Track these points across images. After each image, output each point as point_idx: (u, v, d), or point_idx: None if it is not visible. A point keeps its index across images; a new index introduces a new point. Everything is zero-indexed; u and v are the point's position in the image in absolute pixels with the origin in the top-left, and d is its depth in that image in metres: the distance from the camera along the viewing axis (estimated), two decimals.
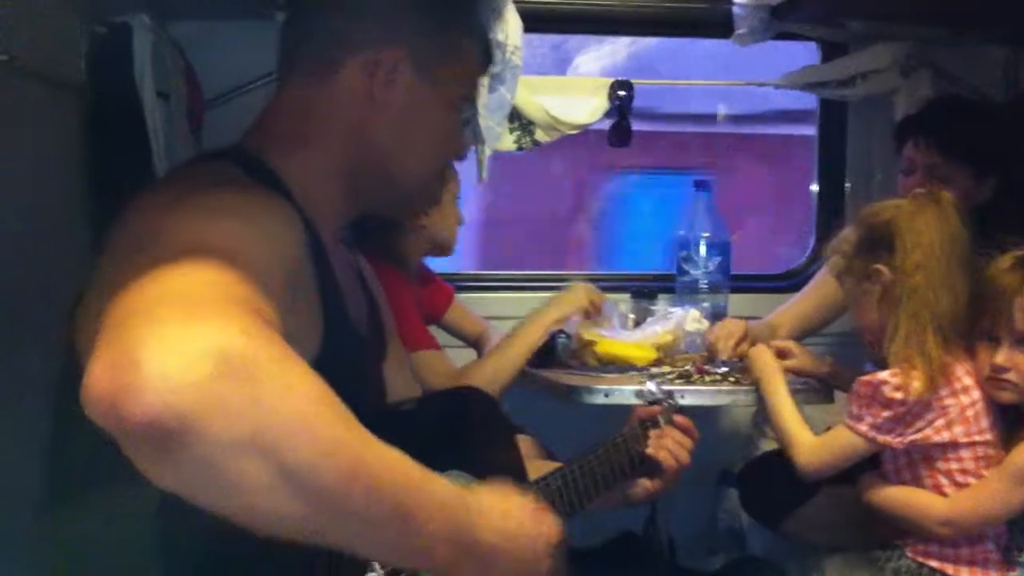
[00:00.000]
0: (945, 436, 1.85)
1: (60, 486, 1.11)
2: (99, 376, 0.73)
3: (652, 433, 1.73)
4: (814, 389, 2.22)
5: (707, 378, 2.26)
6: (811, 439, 1.99)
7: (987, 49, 2.94)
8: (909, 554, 1.94)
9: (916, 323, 1.86)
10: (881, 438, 1.87)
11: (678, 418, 1.76)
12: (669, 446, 1.71)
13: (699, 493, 2.86)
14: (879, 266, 1.91)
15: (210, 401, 0.72)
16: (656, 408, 1.76)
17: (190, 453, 0.73)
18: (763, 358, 2.17)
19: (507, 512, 1.01)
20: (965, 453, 1.86)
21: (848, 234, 2.02)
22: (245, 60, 2.52)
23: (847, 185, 3.13)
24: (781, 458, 2.57)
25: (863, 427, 1.87)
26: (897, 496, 1.94)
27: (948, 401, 1.85)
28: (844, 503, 2.34)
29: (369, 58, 1.23)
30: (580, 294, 2.39)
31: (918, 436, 1.86)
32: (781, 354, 2.24)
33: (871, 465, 2.25)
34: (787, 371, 2.19)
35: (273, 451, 0.75)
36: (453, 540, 0.92)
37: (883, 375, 1.85)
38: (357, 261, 1.43)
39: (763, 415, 2.88)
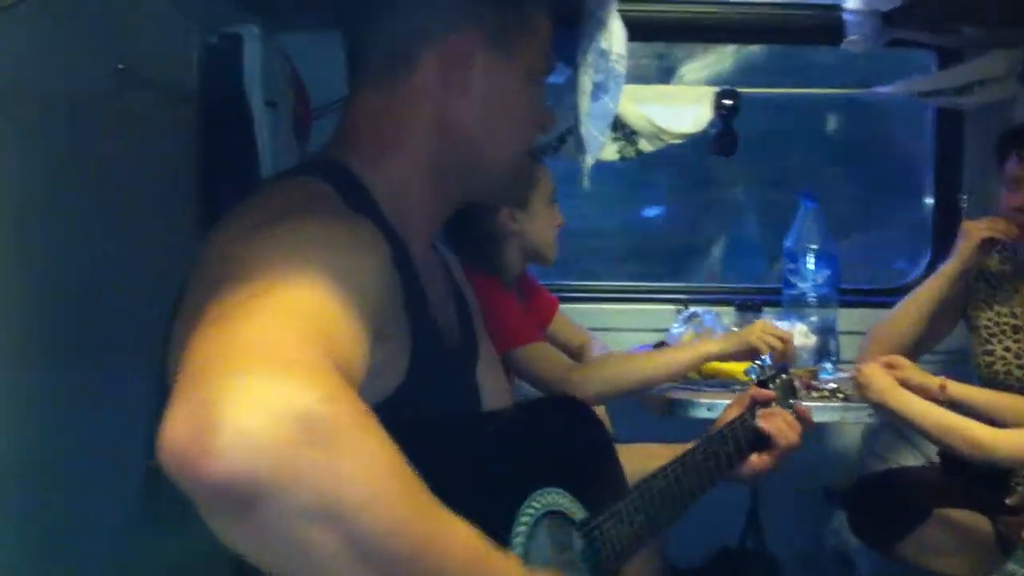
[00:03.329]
0: None
1: (156, 507, 1.09)
2: (176, 431, 0.72)
3: (763, 411, 1.61)
4: None
5: (814, 394, 2.21)
6: (987, 428, 1.90)
7: None
8: None
9: None
10: None
11: (798, 406, 1.66)
12: (780, 424, 1.60)
13: (802, 511, 2.80)
14: None
15: (287, 467, 0.71)
16: (770, 393, 1.64)
17: (262, 518, 0.72)
18: (876, 374, 2.10)
19: None
20: None
21: None
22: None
23: (964, 197, 3.03)
24: (893, 479, 2.52)
25: None
26: None
27: None
28: (961, 528, 2.28)
29: (445, 46, 1.20)
30: (754, 333, 2.24)
31: None
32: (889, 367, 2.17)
33: (999, 490, 2.18)
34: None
35: (344, 521, 0.74)
36: None
37: None
38: (446, 260, 1.41)
39: (875, 436, 2.82)
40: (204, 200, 2.13)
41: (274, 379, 0.73)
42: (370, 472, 0.76)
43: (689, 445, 1.53)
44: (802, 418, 1.63)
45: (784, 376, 1.69)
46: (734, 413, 1.62)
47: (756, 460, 1.59)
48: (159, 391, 1.02)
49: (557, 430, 1.35)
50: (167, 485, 0.74)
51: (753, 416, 1.60)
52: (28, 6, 1.26)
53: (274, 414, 0.71)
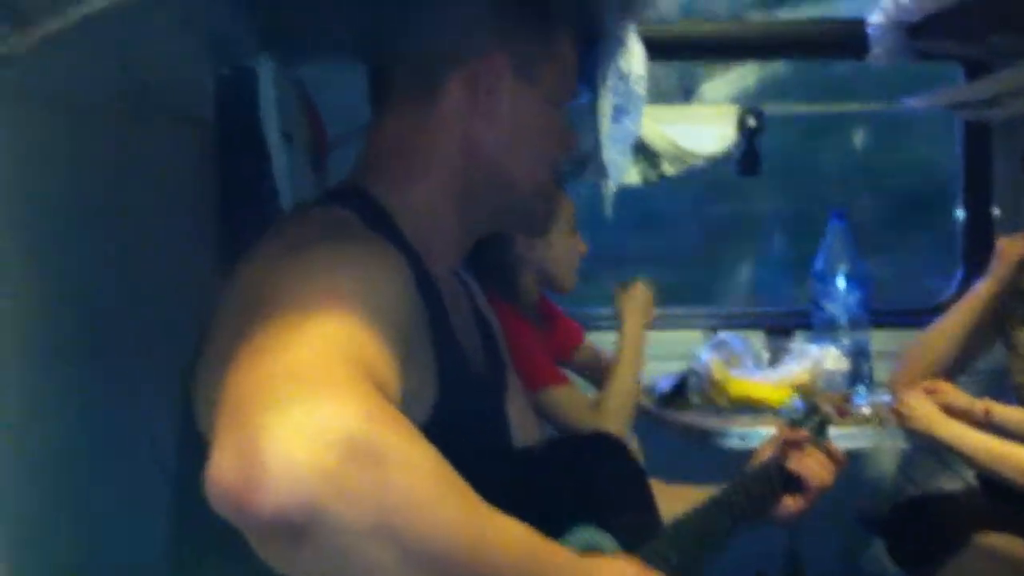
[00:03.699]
0: None
1: (184, 542, 1.10)
2: (223, 469, 0.73)
3: (794, 453, 1.63)
4: None
5: (848, 419, 2.16)
6: None
7: None
8: None
9: None
10: None
11: (830, 445, 1.66)
12: (812, 464, 1.61)
13: (839, 538, 2.75)
14: None
15: (337, 491, 0.72)
16: (802, 435, 1.65)
17: (318, 544, 0.73)
18: (917, 406, 2.05)
19: None
20: None
21: None
22: (367, 101, 2.53)
23: (995, 211, 3.00)
24: (932, 504, 2.48)
25: None
26: None
27: None
28: (1002, 553, 2.23)
29: (471, 71, 1.20)
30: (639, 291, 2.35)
31: None
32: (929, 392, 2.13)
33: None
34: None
35: (399, 535, 0.75)
36: None
37: None
38: (471, 288, 1.41)
39: (910, 461, 2.77)
40: (222, 232, 2.11)
41: (315, 405, 0.75)
42: (419, 483, 0.77)
43: (723, 486, 1.53)
44: (834, 458, 1.64)
45: (816, 417, 1.69)
46: (767, 454, 1.64)
47: (790, 502, 1.61)
48: (185, 428, 1.04)
49: (592, 466, 1.34)
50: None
51: (785, 457, 1.61)
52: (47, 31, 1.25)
53: (319, 440, 0.73)
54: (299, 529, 0.72)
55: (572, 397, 2.21)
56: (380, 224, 1.13)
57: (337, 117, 2.56)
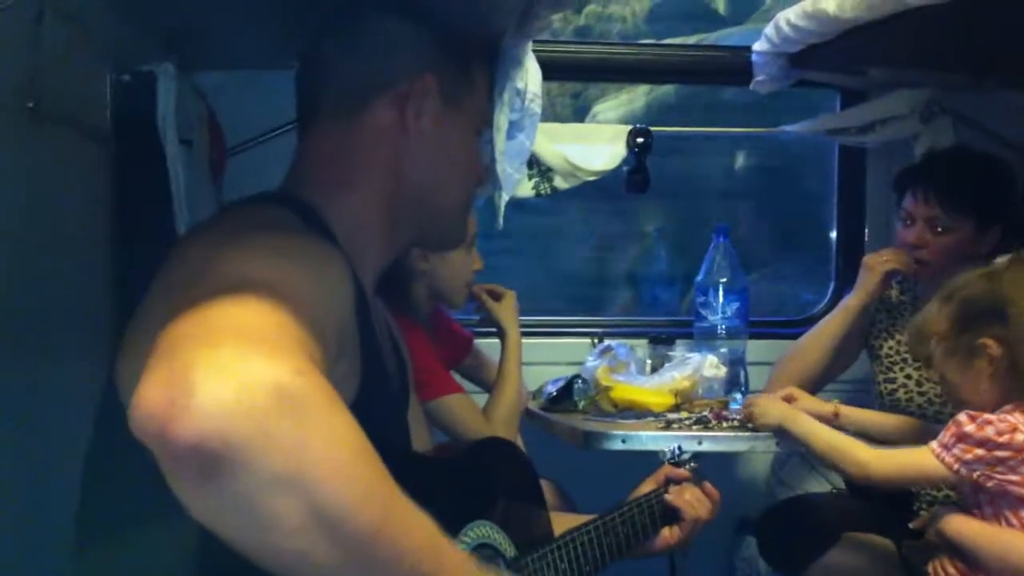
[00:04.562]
0: None
1: (91, 526, 1.10)
2: (150, 394, 0.73)
3: (673, 488, 1.74)
4: None
5: (725, 424, 2.25)
6: (875, 449, 1.93)
7: (1009, 94, 2.93)
8: None
9: None
10: (965, 472, 1.79)
11: (707, 485, 1.77)
12: (689, 499, 1.72)
13: (716, 541, 2.83)
14: (987, 340, 1.82)
15: (260, 433, 0.73)
16: (684, 473, 1.77)
17: (231, 483, 0.73)
18: (770, 405, 2.15)
19: None
20: None
21: (937, 315, 1.90)
22: (267, 109, 2.54)
23: (866, 231, 3.14)
24: (801, 506, 2.57)
25: (949, 458, 1.80)
26: (998, 534, 1.82)
27: None
28: (867, 551, 2.32)
29: (399, 92, 1.24)
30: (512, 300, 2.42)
31: (1007, 479, 1.78)
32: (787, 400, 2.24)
33: (904, 515, 2.23)
34: None
35: (311, 492, 0.75)
36: None
37: (991, 415, 1.79)
38: (381, 309, 1.43)
39: (783, 464, 2.88)
40: (118, 238, 2.11)
41: (248, 351, 0.75)
42: (338, 446, 0.77)
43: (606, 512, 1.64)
44: (710, 496, 1.75)
45: (694, 464, 1.81)
46: (649, 487, 1.74)
47: (667, 534, 1.72)
48: (108, 411, 1.04)
49: (491, 467, 1.41)
50: None
51: (666, 491, 1.73)
52: None
53: (247, 382, 0.73)
54: (213, 462, 0.72)
55: (465, 406, 2.25)
56: (318, 228, 1.16)
57: (236, 125, 2.58)
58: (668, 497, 1.71)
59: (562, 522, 1.59)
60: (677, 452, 1.82)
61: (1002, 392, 1.83)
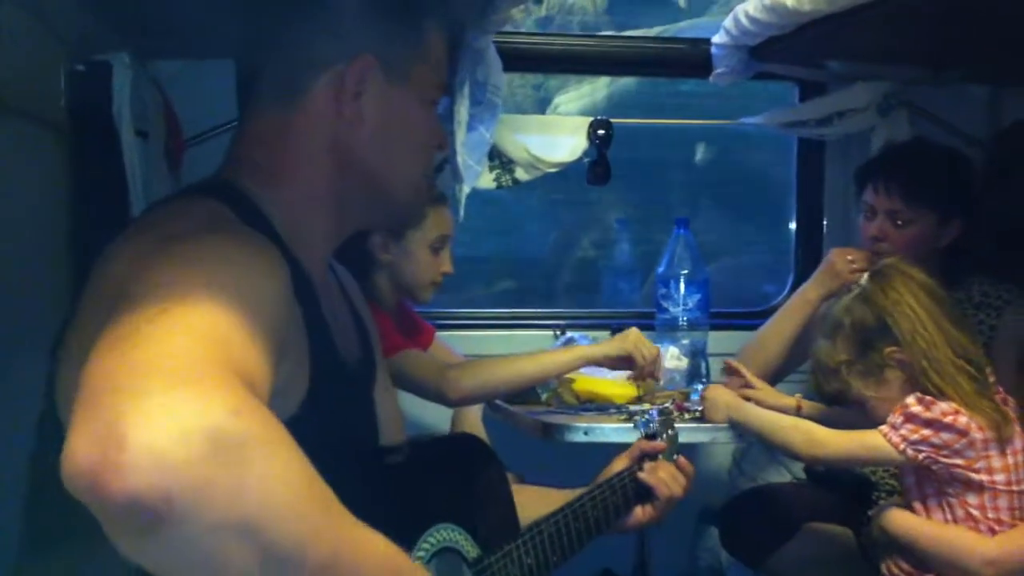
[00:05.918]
0: (984, 477, 1.83)
1: (34, 538, 1.09)
2: (80, 450, 0.71)
3: (648, 464, 1.70)
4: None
5: (687, 415, 2.25)
6: (823, 428, 1.95)
7: (967, 88, 2.96)
8: None
9: (943, 378, 1.86)
10: (911, 452, 1.83)
11: (681, 460, 1.74)
12: (663, 477, 1.68)
13: (679, 531, 2.85)
14: (888, 349, 1.90)
15: (198, 482, 0.70)
16: (660, 445, 1.72)
17: (174, 534, 0.71)
18: (719, 393, 2.17)
19: None
20: (1002, 502, 1.85)
21: (835, 348, 1.98)
22: (225, 99, 2.50)
23: (825, 223, 3.16)
24: (762, 496, 2.59)
25: (896, 437, 1.84)
26: (940, 533, 1.88)
27: (993, 445, 1.84)
28: (827, 541, 2.36)
29: (334, 75, 1.19)
30: (630, 340, 2.29)
31: (952, 463, 1.83)
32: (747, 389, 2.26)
33: (863, 505, 2.25)
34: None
35: (258, 535, 0.74)
36: None
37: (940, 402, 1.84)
38: (342, 280, 1.40)
39: (744, 455, 2.90)
40: (74, 230, 2.08)
41: (180, 395, 0.73)
42: (281, 484, 0.75)
43: (580, 491, 1.61)
44: (684, 471, 1.71)
45: (670, 432, 1.75)
46: (622, 465, 1.69)
47: (640, 512, 1.68)
48: (49, 416, 1.02)
49: (455, 466, 1.38)
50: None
51: (640, 468, 1.68)
52: None
53: (181, 429, 0.70)
54: (152, 517, 0.70)
55: (422, 358, 2.24)
56: (252, 217, 1.12)
57: (194, 116, 2.55)
58: (642, 475, 1.67)
59: (532, 496, 1.57)
60: (652, 418, 1.76)
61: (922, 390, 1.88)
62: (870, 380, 1.94)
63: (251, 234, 1.06)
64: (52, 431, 0.96)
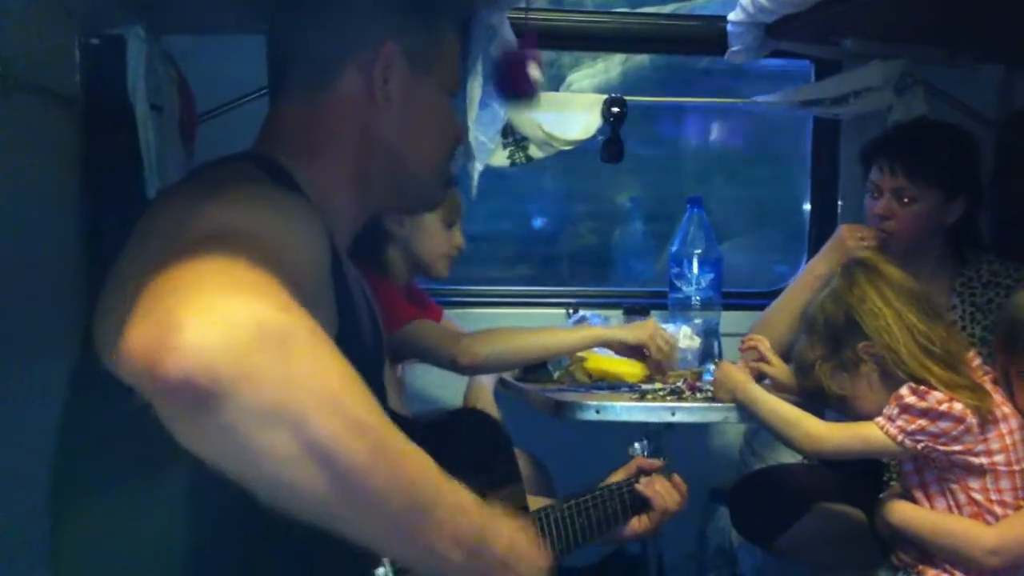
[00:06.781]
0: (983, 460, 1.83)
1: (65, 490, 1.10)
2: (138, 335, 0.75)
3: (644, 479, 1.79)
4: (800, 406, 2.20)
5: (698, 395, 2.25)
6: (822, 422, 1.97)
7: (982, 68, 2.94)
8: None
9: (914, 369, 1.86)
10: (909, 443, 1.83)
11: (675, 478, 1.82)
12: (660, 489, 1.78)
13: (689, 511, 2.83)
14: (861, 344, 1.91)
15: (245, 368, 0.74)
16: (657, 463, 1.82)
17: (221, 416, 0.75)
18: (728, 372, 2.16)
19: (517, 531, 1.00)
20: (1004, 483, 1.84)
21: (811, 346, 2.00)
22: (239, 74, 2.51)
23: (839, 203, 3.15)
24: (772, 476, 2.59)
25: (893, 429, 1.84)
26: (940, 523, 1.88)
27: (990, 428, 1.84)
28: (837, 521, 2.35)
29: (365, 58, 1.25)
30: (647, 331, 2.35)
31: (951, 450, 1.83)
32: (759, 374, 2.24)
33: (874, 485, 2.25)
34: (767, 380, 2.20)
35: (301, 423, 0.77)
36: (468, 546, 0.91)
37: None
38: (356, 274, 1.44)
39: (755, 435, 2.90)
40: (87, 204, 2.08)
41: (231, 292, 0.78)
42: (323, 378, 0.79)
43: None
44: (679, 489, 1.82)
45: (663, 457, 1.86)
46: (619, 478, 1.80)
47: (636, 523, 1.79)
48: (84, 368, 1.04)
49: (465, 438, 1.43)
50: None
51: (637, 481, 1.78)
52: None
53: (232, 319, 0.75)
54: (201, 397, 0.74)
55: (433, 326, 2.26)
56: (288, 185, 1.17)
57: (207, 90, 2.55)
58: (639, 487, 1.77)
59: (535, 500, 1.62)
60: (645, 446, 1.87)
61: (894, 388, 1.88)
62: (844, 375, 1.95)
63: (293, 194, 1.12)
64: (87, 381, 1.01)
